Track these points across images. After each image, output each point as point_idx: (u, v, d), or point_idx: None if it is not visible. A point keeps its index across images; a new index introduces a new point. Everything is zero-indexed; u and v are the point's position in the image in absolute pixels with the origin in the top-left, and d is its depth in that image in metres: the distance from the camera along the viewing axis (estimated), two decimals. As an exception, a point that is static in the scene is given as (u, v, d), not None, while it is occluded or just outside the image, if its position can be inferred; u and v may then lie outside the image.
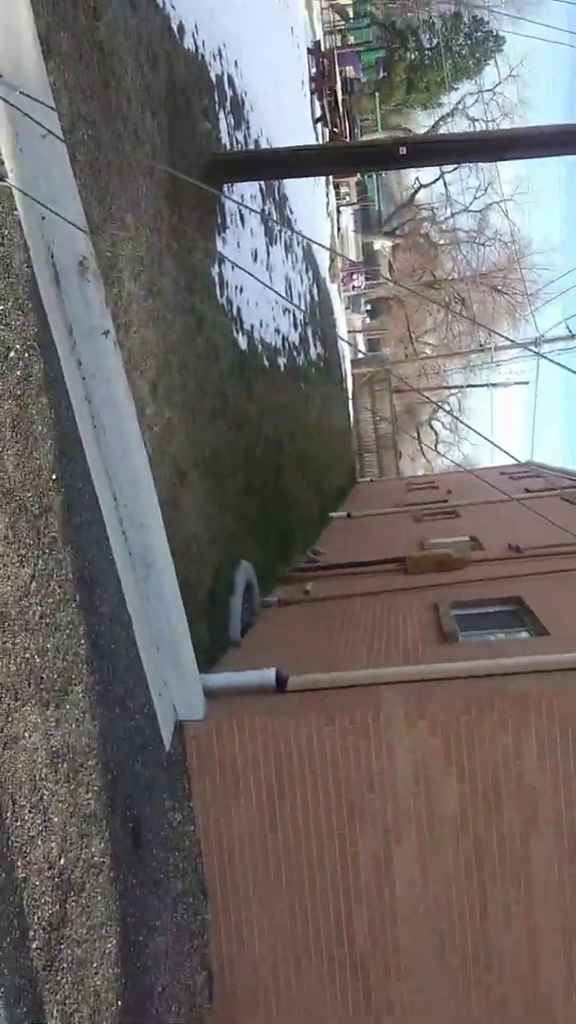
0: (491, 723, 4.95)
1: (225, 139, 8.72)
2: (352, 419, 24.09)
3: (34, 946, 3.17)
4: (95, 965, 3.66)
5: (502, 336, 33.04)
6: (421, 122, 42.07)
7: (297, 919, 5.13)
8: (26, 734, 3.24)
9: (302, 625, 7.27)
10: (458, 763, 4.98)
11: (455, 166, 34.33)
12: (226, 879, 5.15)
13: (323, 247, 17.07)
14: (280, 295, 10.43)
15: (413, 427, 40.16)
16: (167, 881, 4.63)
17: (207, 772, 5.12)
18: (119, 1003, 3.89)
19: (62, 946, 3.37)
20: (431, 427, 42.33)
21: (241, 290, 8.69)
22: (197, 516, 6.32)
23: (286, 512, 10.42)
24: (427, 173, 38.94)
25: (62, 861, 3.42)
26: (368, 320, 41.58)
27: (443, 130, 38.20)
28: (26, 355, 3.64)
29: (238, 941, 5.18)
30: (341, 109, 21.84)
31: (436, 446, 41.10)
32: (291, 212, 13.65)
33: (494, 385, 34.65)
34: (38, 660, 3.40)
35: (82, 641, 3.87)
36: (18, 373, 3.55)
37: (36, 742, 3.30)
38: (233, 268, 8.31)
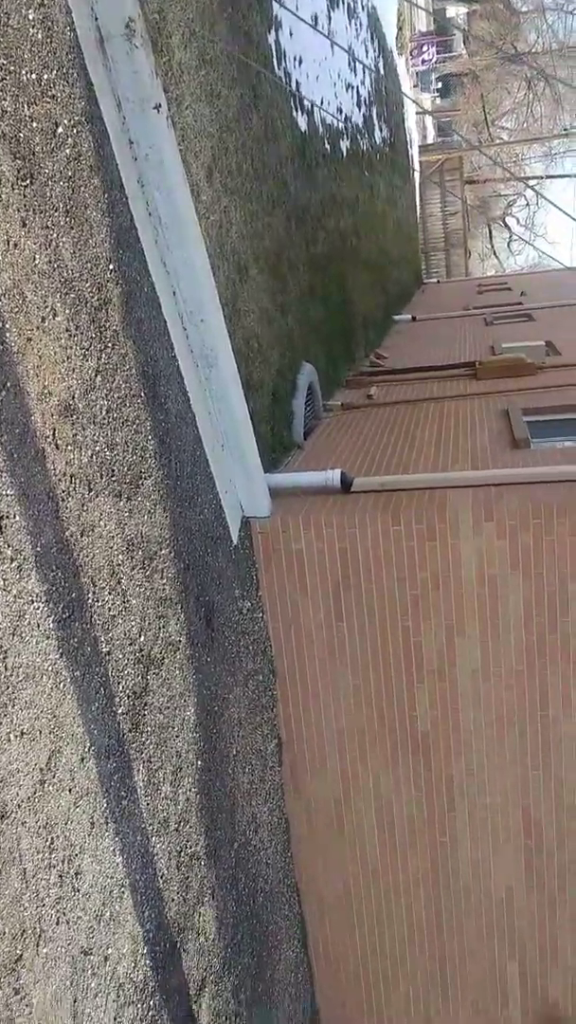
0: (561, 528, 4.93)
1: None
2: (419, 213, 22.49)
3: (120, 711, 3.46)
4: (176, 730, 4.01)
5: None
6: None
7: (361, 697, 5.49)
8: (101, 523, 3.35)
9: (366, 429, 7.20)
10: (524, 566, 5.03)
11: None
12: (293, 660, 5.49)
13: None
14: (344, 49, 9.35)
15: (485, 223, 37.49)
16: (239, 660, 4.95)
17: (274, 566, 5.32)
18: (199, 762, 4.29)
19: (145, 712, 3.68)
20: (504, 223, 39.42)
21: (300, 62, 7.89)
22: (258, 315, 6.12)
23: (349, 313, 10.05)
24: None
25: (142, 639, 3.65)
26: (439, 99, 37.82)
27: None
28: (74, 131, 3.40)
29: (305, 714, 5.60)
30: None
31: (509, 244, 38.52)
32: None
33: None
34: (108, 453, 3.46)
35: (149, 437, 3.90)
36: (67, 151, 3.33)
37: (111, 531, 3.43)
38: (292, 35, 7.50)
